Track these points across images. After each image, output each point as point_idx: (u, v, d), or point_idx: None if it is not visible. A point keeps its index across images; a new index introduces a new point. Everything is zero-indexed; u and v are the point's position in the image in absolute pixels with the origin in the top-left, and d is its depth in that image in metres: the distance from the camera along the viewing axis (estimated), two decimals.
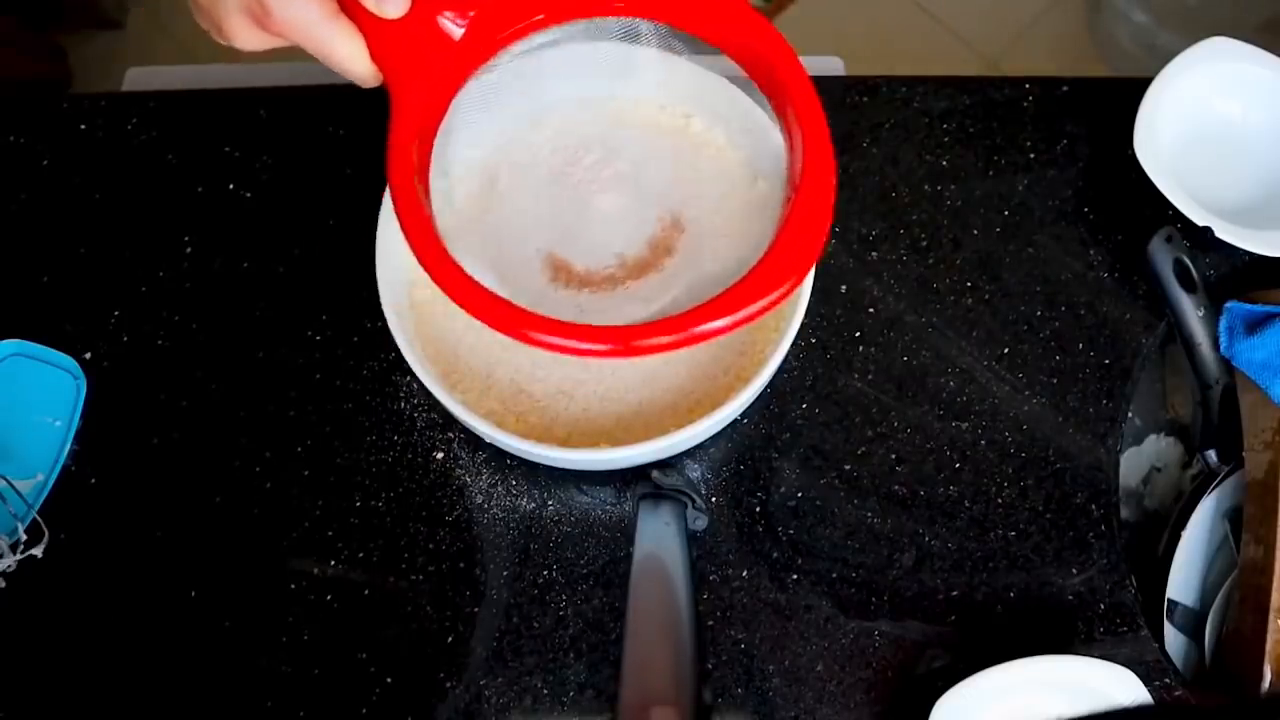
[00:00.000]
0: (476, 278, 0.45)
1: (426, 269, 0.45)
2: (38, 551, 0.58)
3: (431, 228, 0.46)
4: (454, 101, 0.50)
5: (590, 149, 0.58)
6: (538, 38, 0.51)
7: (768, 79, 0.49)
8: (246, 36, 0.46)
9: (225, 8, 0.45)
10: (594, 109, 0.59)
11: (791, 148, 0.48)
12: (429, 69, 0.47)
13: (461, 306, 0.45)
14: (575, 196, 0.57)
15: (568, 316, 0.45)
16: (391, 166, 0.46)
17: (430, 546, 0.60)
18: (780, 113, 0.49)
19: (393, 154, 0.46)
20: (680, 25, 0.50)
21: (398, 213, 0.46)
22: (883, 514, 0.61)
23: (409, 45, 0.47)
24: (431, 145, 0.49)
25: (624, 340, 0.44)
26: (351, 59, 0.46)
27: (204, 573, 0.60)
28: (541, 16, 0.49)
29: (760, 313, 0.45)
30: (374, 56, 0.46)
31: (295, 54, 0.48)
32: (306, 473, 0.62)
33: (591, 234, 0.56)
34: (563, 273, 0.55)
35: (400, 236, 0.46)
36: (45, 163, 0.68)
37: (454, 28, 0.47)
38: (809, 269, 0.46)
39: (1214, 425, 0.63)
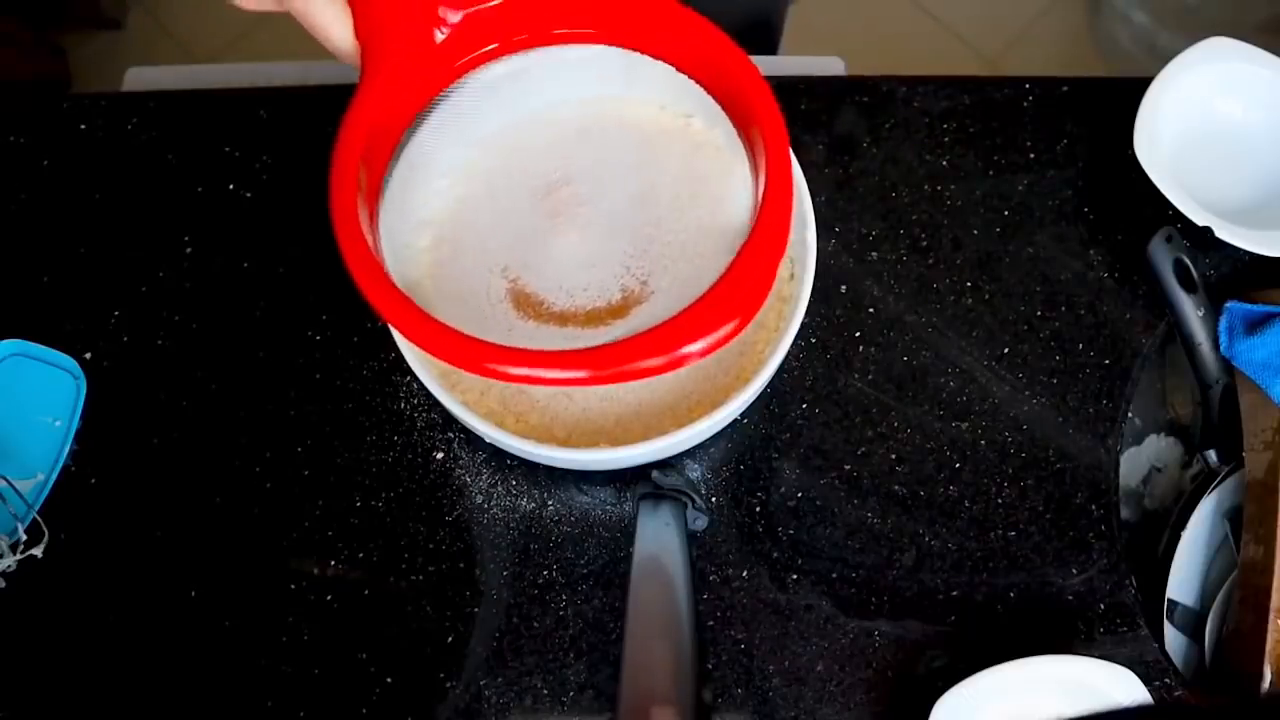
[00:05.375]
0: (436, 303, 0.45)
1: (366, 294, 0.46)
2: (38, 551, 0.58)
3: (368, 247, 0.47)
4: (436, 112, 0.50)
5: (568, 180, 0.57)
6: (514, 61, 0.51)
7: (736, 107, 0.49)
8: None
9: None
10: (583, 111, 0.58)
11: (756, 174, 0.48)
12: (404, 63, 0.48)
13: (395, 327, 0.46)
14: (546, 226, 0.55)
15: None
16: (337, 158, 0.46)
17: (430, 546, 0.60)
18: (748, 142, 0.48)
19: (342, 142, 0.47)
20: (654, 54, 0.50)
21: (335, 224, 0.46)
22: (883, 514, 0.61)
23: (393, 30, 0.47)
24: (394, 143, 0.49)
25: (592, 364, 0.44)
26: (335, 27, 0.47)
27: (204, 573, 0.60)
28: (525, 36, 0.50)
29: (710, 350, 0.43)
30: (357, 34, 0.48)
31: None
32: (306, 473, 0.62)
33: (558, 269, 0.54)
34: (525, 304, 0.54)
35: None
36: (45, 163, 0.68)
37: (438, 32, 0.48)
38: (761, 302, 0.45)
39: (1214, 425, 0.63)
